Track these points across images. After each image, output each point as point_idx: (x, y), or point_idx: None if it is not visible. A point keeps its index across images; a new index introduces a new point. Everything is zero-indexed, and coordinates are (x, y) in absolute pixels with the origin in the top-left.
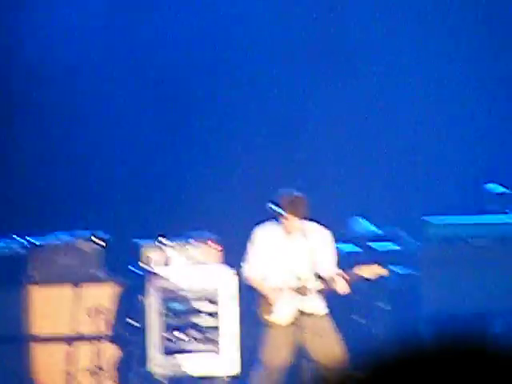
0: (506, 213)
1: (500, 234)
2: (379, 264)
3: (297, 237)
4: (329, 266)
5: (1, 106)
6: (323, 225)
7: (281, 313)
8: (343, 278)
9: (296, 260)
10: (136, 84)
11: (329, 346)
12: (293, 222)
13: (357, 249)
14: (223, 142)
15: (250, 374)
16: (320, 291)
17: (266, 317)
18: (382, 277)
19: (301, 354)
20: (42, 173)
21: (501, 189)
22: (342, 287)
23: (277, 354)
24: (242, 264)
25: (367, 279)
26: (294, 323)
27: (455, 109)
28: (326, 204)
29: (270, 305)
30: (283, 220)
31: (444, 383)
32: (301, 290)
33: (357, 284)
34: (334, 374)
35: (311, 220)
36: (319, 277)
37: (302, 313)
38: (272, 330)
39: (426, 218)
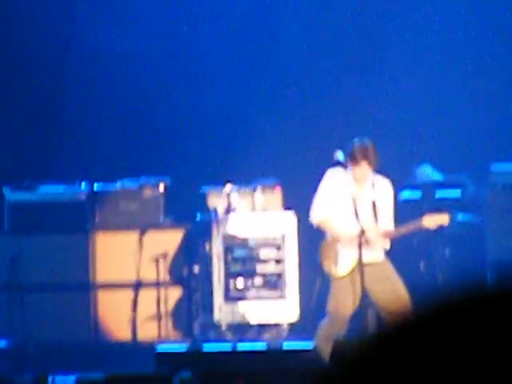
0: None
1: None
2: (440, 212)
3: (365, 186)
4: (387, 220)
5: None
6: (389, 173)
7: (344, 262)
8: (399, 232)
9: (361, 209)
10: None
11: (392, 291)
12: (364, 170)
13: (422, 195)
14: (291, 91)
15: (316, 323)
16: (382, 242)
17: (330, 267)
18: (442, 226)
19: (365, 302)
20: (108, 120)
21: None
22: (377, 245)
23: (341, 303)
24: (310, 206)
25: (428, 229)
26: (357, 272)
27: None
28: (392, 151)
29: (334, 254)
30: (355, 168)
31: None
32: (364, 240)
33: (420, 232)
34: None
35: (379, 171)
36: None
37: (363, 262)
38: (335, 280)
39: (491, 165)
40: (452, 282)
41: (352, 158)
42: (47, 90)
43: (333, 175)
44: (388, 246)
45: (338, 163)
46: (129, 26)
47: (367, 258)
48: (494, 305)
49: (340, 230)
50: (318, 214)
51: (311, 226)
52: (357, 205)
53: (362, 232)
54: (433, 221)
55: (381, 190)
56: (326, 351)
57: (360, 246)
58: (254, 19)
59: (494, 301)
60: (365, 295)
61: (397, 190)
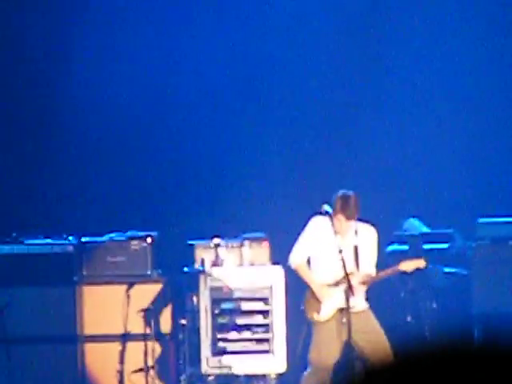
0: None
1: None
2: (421, 258)
3: (347, 234)
4: (369, 265)
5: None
6: (376, 226)
7: (326, 308)
8: (377, 278)
9: (343, 258)
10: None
11: (374, 341)
12: (342, 222)
13: (409, 247)
14: (276, 145)
15: (301, 371)
16: (363, 288)
17: (312, 314)
18: (420, 269)
19: (348, 350)
20: (96, 173)
21: None
22: (358, 292)
23: (324, 351)
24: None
25: (406, 273)
26: (339, 320)
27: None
28: (379, 205)
29: (317, 302)
30: (336, 220)
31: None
32: (346, 287)
33: (406, 281)
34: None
35: (362, 220)
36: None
37: (346, 309)
38: (318, 327)
39: (479, 219)
40: (438, 335)
41: (333, 210)
42: (34, 140)
43: (316, 222)
44: (364, 291)
45: (326, 215)
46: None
47: (351, 304)
48: (479, 358)
49: (319, 276)
50: (295, 259)
51: (298, 279)
52: (339, 251)
53: (346, 277)
54: (409, 265)
55: (363, 237)
56: None
57: (346, 291)
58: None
59: (478, 354)
60: (348, 344)
61: (384, 242)
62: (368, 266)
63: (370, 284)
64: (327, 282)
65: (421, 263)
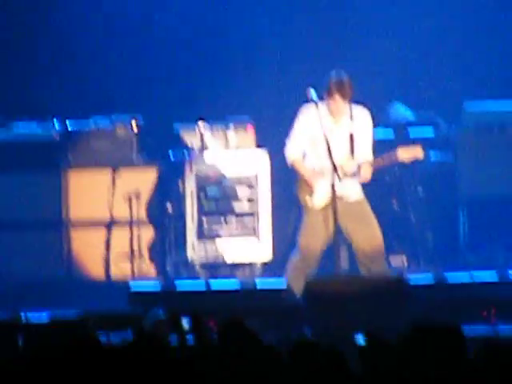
0: None
1: None
2: (418, 146)
3: (342, 119)
4: (366, 150)
5: None
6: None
7: (319, 195)
8: (374, 164)
9: (338, 143)
10: None
11: (366, 231)
12: (338, 103)
13: (394, 134)
14: (264, 26)
15: (287, 259)
16: (357, 175)
17: (305, 197)
18: (417, 160)
19: (338, 238)
20: (82, 56)
21: None
22: (365, 175)
23: (314, 237)
24: (283, 144)
25: (402, 162)
26: (332, 207)
27: None
28: (365, 89)
29: (310, 187)
30: (329, 101)
31: None
32: (340, 174)
33: (393, 169)
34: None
35: (355, 102)
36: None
37: (339, 197)
38: (310, 213)
39: (463, 104)
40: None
41: (327, 91)
42: (21, 26)
43: (306, 112)
44: (369, 176)
45: (311, 101)
46: None
47: (344, 192)
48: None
49: (314, 167)
50: (290, 154)
51: (284, 164)
52: (332, 139)
53: (336, 167)
54: (407, 153)
55: (359, 121)
56: (297, 288)
57: (333, 180)
58: None
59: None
60: (338, 231)
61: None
62: (365, 152)
63: (372, 170)
64: (321, 168)
65: (418, 152)
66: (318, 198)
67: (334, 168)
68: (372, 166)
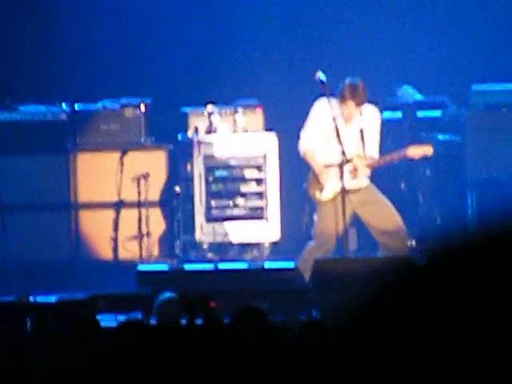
0: None
1: None
2: (424, 143)
3: (354, 120)
4: (373, 147)
5: None
6: (370, 93)
7: (328, 188)
8: (384, 161)
9: (348, 138)
10: None
11: (381, 212)
12: (351, 109)
13: (403, 115)
14: (274, 9)
15: (295, 240)
16: (367, 171)
17: (315, 193)
18: (426, 157)
19: (350, 225)
20: (91, 39)
21: None
22: (363, 174)
23: (327, 227)
24: (292, 127)
25: (413, 159)
26: (342, 200)
27: None
28: (373, 72)
29: (319, 181)
30: (342, 106)
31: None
32: (351, 168)
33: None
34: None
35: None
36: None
37: (349, 189)
38: (321, 206)
39: (471, 85)
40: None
41: (341, 96)
42: (31, 9)
43: (320, 106)
44: (369, 174)
45: (320, 83)
46: None
47: (352, 185)
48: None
49: (326, 160)
50: (303, 145)
51: (292, 146)
52: (343, 135)
53: (347, 161)
54: (417, 151)
55: (368, 118)
56: (308, 272)
57: (342, 173)
58: None
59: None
60: (352, 218)
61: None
62: (372, 148)
63: (376, 167)
64: (330, 164)
65: (428, 150)
66: (327, 191)
67: (344, 162)
68: (382, 162)
